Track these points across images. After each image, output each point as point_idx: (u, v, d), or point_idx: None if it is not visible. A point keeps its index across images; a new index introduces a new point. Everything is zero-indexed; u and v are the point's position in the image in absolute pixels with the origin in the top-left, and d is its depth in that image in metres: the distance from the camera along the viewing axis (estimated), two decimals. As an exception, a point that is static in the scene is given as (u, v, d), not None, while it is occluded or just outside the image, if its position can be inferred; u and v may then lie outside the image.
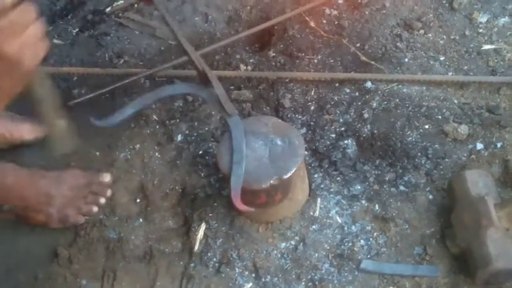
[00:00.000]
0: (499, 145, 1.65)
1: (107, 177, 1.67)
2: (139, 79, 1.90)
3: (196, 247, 1.58)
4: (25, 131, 1.74)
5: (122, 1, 2.10)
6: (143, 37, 2.03)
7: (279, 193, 1.48)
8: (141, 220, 1.66)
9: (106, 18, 2.09)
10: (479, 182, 1.47)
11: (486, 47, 1.86)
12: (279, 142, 1.48)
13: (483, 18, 1.92)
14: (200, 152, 1.74)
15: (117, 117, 1.49)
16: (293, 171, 1.44)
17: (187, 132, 1.78)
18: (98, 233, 1.64)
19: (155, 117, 1.83)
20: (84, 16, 2.10)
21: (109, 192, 1.67)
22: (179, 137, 1.78)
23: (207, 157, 1.72)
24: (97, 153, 1.78)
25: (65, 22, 2.10)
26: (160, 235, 1.63)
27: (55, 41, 2.05)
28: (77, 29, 2.08)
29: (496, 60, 1.82)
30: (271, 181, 1.43)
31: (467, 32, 1.90)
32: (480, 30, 1.90)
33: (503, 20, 1.91)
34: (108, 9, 2.09)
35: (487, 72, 1.80)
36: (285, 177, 1.44)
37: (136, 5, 2.10)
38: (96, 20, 2.09)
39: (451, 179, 1.54)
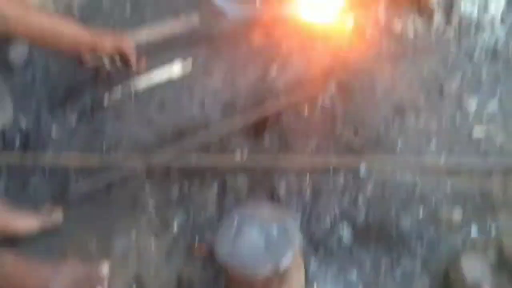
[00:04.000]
0: (493, 230, 1.66)
1: (105, 269, 1.67)
2: (136, 168, 1.92)
3: None
4: (21, 224, 1.75)
5: (119, 92, 2.13)
6: (141, 126, 2.07)
7: (275, 282, 1.48)
8: (137, 310, 1.66)
9: (103, 108, 2.13)
10: (474, 269, 1.49)
11: (477, 131, 1.89)
12: (274, 230, 1.49)
13: (472, 104, 1.95)
14: (196, 241, 1.74)
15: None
16: (289, 259, 1.45)
17: (183, 220, 1.79)
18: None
19: (151, 204, 1.84)
20: (82, 106, 2.14)
21: (106, 285, 1.66)
22: (175, 226, 1.79)
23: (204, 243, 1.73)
24: (94, 243, 1.78)
25: (64, 112, 2.13)
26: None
27: (53, 131, 2.08)
28: (75, 118, 2.11)
29: (487, 145, 1.85)
30: (268, 270, 1.43)
31: (457, 117, 1.93)
32: (471, 115, 1.93)
33: (492, 105, 1.94)
34: (105, 100, 2.12)
35: (479, 157, 1.83)
36: (281, 266, 1.44)
37: (133, 95, 2.14)
38: (94, 110, 2.13)
39: (447, 266, 1.54)
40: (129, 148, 2.01)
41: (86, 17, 2.39)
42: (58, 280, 1.61)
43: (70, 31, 1.89)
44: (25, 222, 1.76)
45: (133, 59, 2.02)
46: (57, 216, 1.82)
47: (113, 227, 1.80)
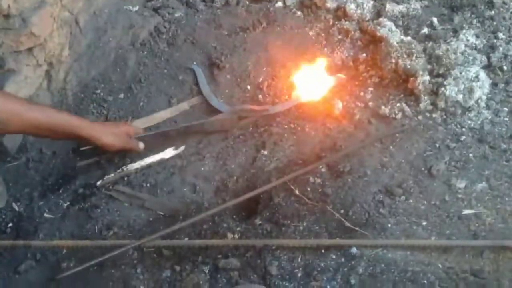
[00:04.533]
0: (486, 308, 1.66)
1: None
2: (128, 250, 1.92)
3: None
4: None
5: (112, 175, 2.16)
6: (132, 209, 2.08)
7: None
8: None
9: (96, 191, 2.15)
10: None
11: (466, 211, 1.91)
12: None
13: (461, 184, 1.99)
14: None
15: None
16: None
17: (174, 303, 1.79)
18: None
19: (143, 287, 1.83)
20: (75, 190, 2.16)
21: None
22: (167, 308, 1.77)
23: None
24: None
25: (57, 196, 2.15)
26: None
27: (46, 215, 2.09)
28: (68, 203, 2.13)
29: (477, 224, 1.87)
30: None
31: (447, 198, 1.96)
32: (459, 196, 1.96)
33: (480, 186, 1.97)
34: (98, 183, 2.14)
35: (469, 236, 1.84)
36: None
37: (126, 178, 2.16)
38: (87, 194, 2.14)
39: None
40: (121, 231, 2.01)
41: (80, 103, 2.45)
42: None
43: (65, 125, 1.94)
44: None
45: (133, 147, 2.14)
46: None
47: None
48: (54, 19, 2.25)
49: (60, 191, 2.18)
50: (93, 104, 2.45)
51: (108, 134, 2.04)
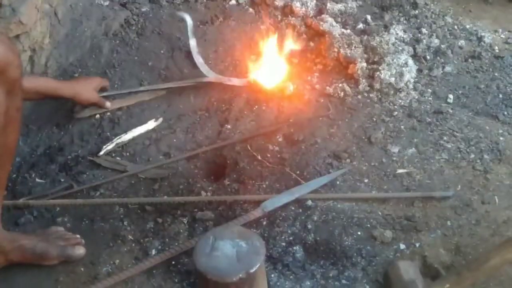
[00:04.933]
0: (417, 244, 2.04)
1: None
2: (114, 207, 2.21)
3: None
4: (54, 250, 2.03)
5: (110, 145, 2.46)
6: (116, 174, 2.37)
7: (246, 286, 1.79)
8: (125, 322, 1.93)
9: (81, 160, 2.43)
10: (409, 270, 1.85)
11: (400, 171, 2.31)
12: (244, 244, 1.81)
13: (395, 149, 2.39)
14: (173, 262, 2.03)
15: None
16: (257, 266, 1.77)
17: (160, 247, 2.08)
18: None
19: (130, 237, 2.12)
20: (62, 160, 2.44)
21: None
22: (153, 252, 2.07)
23: (179, 266, 2.02)
24: (82, 269, 2.04)
25: (45, 164, 2.42)
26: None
27: (37, 180, 2.36)
28: (56, 170, 2.40)
29: (408, 181, 2.27)
30: (240, 275, 1.76)
31: (384, 160, 2.35)
32: (394, 158, 2.36)
33: (410, 151, 2.38)
34: (101, 152, 2.44)
35: (403, 190, 2.24)
36: (252, 271, 1.77)
37: (122, 148, 2.48)
38: (73, 164, 2.42)
39: (387, 269, 1.90)
40: (106, 192, 2.30)
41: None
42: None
43: (49, 88, 2.34)
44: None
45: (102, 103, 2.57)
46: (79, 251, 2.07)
47: (98, 255, 2.06)
48: (37, 10, 2.52)
49: (48, 161, 2.45)
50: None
51: (87, 90, 2.46)
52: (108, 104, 2.58)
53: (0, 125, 1.66)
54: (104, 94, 2.63)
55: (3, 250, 1.95)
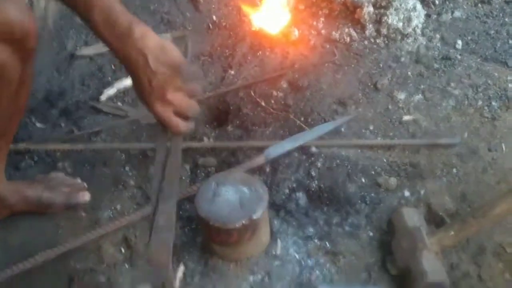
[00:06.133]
0: (422, 192, 2.01)
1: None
2: (115, 152, 2.19)
3: (176, 286, 1.84)
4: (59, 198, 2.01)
5: (113, 89, 2.41)
6: (117, 119, 2.34)
7: (248, 232, 1.78)
8: (126, 266, 1.91)
9: (82, 105, 2.40)
10: (414, 217, 1.83)
11: (406, 118, 2.27)
12: (246, 190, 1.79)
13: (401, 96, 2.34)
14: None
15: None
16: (260, 212, 1.75)
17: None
18: (90, 279, 1.88)
19: (132, 182, 2.10)
20: (63, 105, 2.40)
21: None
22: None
23: (181, 212, 2.00)
24: (83, 214, 2.03)
25: (46, 109, 2.39)
26: (144, 277, 1.88)
27: (38, 124, 2.33)
28: (57, 115, 2.37)
29: (414, 128, 2.23)
30: (243, 221, 1.74)
31: (389, 107, 2.31)
32: (400, 105, 2.32)
33: (417, 97, 2.34)
34: (102, 97, 2.41)
35: (408, 137, 2.20)
36: (254, 217, 1.75)
37: (123, 94, 2.43)
38: (73, 109, 2.39)
39: (391, 215, 1.88)
40: (108, 137, 2.27)
41: (60, 29, 2.67)
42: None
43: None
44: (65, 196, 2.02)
45: None
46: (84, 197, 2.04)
47: (99, 200, 2.05)
48: (36, -50, 2.46)
49: (49, 106, 2.41)
50: (72, 30, 2.68)
51: None
52: None
53: (13, 89, 1.60)
54: None
55: (8, 203, 1.92)
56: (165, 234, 1.32)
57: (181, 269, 1.88)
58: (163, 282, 1.34)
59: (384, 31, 2.56)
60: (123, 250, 1.95)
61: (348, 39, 2.57)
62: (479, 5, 2.80)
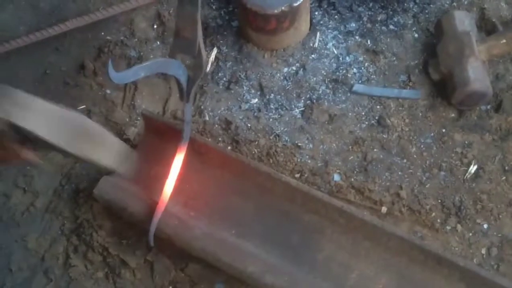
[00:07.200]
0: (476, -6, 1.87)
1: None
2: None
3: (208, 68, 1.79)
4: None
5: None
6: None
7: (287, 20, 1.69)
8: (158, 43, 1.85)
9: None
10: (464, 21, 1.71)
11: None
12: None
13: None
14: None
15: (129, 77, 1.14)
16: (300, 1, 1.65)
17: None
18: (120, 51, 1.83)
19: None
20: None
21: None
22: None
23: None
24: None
25: None
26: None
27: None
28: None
29: None
30: (283, 7, 1.64)
31: None
32: None
33: None
34: None
35: None
36: (295, 4, 1.64)
37: None
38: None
39: (440, 17, 1.76)
40: None
41: None
42: None
43: None
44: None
45: None
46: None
47: None
48: None
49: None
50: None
51: None
52: None
53: None
54: None
55: None
56: (189, 8, 1.22)
57: (214, 51, 1.82)
58: (193, 56, 1.27)
59: None
60: (155, 26, 1.89)
61: None
62: None
